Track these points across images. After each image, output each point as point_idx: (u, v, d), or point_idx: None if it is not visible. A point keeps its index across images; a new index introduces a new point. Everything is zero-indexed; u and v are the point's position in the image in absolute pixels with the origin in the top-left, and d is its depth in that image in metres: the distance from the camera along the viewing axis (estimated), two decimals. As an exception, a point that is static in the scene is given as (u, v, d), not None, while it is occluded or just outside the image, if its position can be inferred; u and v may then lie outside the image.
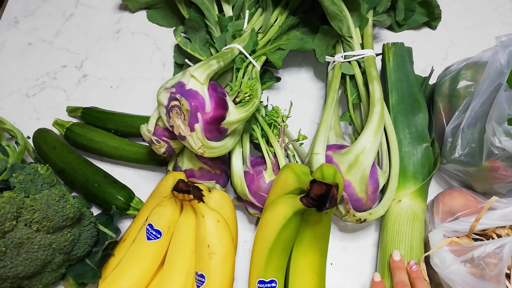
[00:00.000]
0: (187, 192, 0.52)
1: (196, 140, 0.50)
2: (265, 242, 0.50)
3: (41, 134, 0.66)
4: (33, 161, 0.66)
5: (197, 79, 0.51)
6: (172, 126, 0.51)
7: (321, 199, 0.44)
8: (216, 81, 0.57)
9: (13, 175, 0.53)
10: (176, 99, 0.50)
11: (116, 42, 0.79)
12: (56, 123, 0.68)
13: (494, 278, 0.47)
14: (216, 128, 0.52)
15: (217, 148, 0.53)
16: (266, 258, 0.49)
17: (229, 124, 0.53)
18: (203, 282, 0.51)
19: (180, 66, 0.74)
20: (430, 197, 0.60)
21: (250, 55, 0.61)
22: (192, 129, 0.50)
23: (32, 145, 0.67)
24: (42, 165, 0.55)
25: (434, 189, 0.64)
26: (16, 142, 0.65)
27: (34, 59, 0.77)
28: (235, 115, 0.53)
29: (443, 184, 0.65)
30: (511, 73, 0.54)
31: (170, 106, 0.51)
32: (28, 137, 0.67)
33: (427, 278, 0.53)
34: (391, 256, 0.54)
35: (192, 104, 0.50)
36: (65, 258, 0.54)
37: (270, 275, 0.50)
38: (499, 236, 0.52)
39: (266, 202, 0.55)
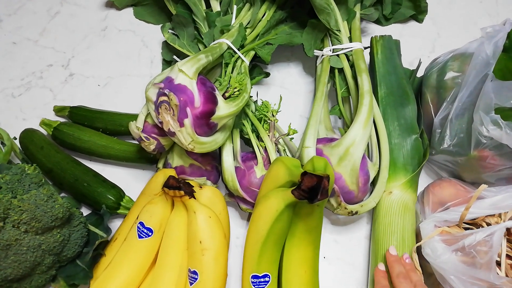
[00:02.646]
0: (178, 188, 0.51)
1: (186, 135, 0.50)
2: (258, 236, 0.49)
3: (28, 135, 0.65)
4: (20, 162, 0.64)
5: (185, 73, 0.50)
6: (161, 122, 0.51)
7: (312, 191, 0.44)
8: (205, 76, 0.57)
9: (-1, 175, 0.52)
10: (165, 95, 0.49)
11: (103, 40, 0.78)
12: (43, 123, 0.67)
13: (485, 265, 0.47)
14: (206, 123, 0.51)
15: (207, 143, 0.53)
16: (259, 252, 0.49)
17: (219, 118, 0.52)
18: (196, 279, 0.50)
19: (168, 63, 0.74)
20: (420, 188, 0.61)
21: (238, 50, 0.61)
22: (181, 125, 0.50)
23: (19, 145, 0.66)
24: (29, 165, 0.54)
25: (424, 180, 0.64)
26: (2, 143, 0.64)
27: (19, 59, 0.76)
28: (224, 109, 0.52)
29: (432, 175, 0.65)
30: (497, 63, 0.54)
31: (159, 101, 0.50)
32: (15, 138, 0.66)
33: (419, 268, 0.53)
34: (388, 251, 0.54)
35: (181, 99, 0.49)
36: (55, 259, 0.54)
37: (263, 270, 0.50)
38: (488, 224, 0.53)
39: (258, 196, 0.55)
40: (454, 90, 0.58)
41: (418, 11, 0.78)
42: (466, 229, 0.54)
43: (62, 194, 0.64)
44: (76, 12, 0.81)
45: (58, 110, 0.70)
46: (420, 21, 0.80)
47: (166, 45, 0.73)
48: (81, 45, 0.78)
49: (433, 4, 0.80)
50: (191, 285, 0.51)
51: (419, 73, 0.68)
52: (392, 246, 0.54)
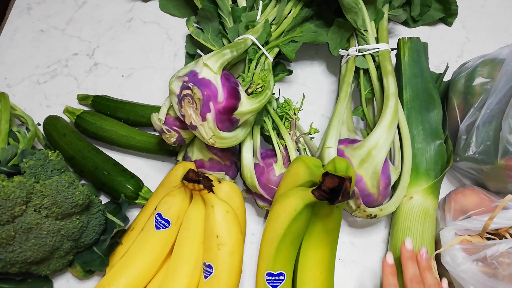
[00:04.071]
0: (197, 182, 0.51)
1: (208, 130, 0.50)
2: (275, 234, 0.49)
3: (51, 121, 0.66)
4: (43, 148, 0.66)
5: (210, 68, 0.50)
6: (183, 115, 0.51)
7: (333, 192, 0.44)
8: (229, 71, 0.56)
9: (24, 160, 0.53)
10: (189, 88, 0.50)
11: (128, 31, 0.79)
12: (67, 111, 0.68)
13: (507, 278, 0.46)
14: (228, 118, 0.51)
15: (228, 138, 0.52)
16: (275, 250, 0.49)
17: (241, 114, 0.52)
18: (211, 272, 0.50)
19: (191, 57, 0.74)
20: (442, 195, 0.59)
21: (263, 46, 0.60)
22: (203, 119, 0.50)
23: (43, 132, 0.67)
24: (52, 151, 0.55)
25: (446, 187, 0.63)
26: (27, 128, 0.65)
27: (46, 46, 0.77)
28: (247, 105, 0.52)
29: (455, 182, 0.64)
30: (530, 70, 0.53)
31: (182, 95, 0.50)
32: (39, 124, 0.67)
33: (437, 276, 0.52)
34: (403, 244, 0.50)
35: (205, 93, 0.49)
36: (73, 245, 0.54)
37: (278, 268, 0.49)
38: (512, 236, 0.52)
39: (276, 194, 0.55)
40: (482, 96, 0.57)
41: (447, 14, 0.76)
42: (488, 239, 0.52)
43: (82, 181, 0.65)
44: (103, 3, 0.82)
45: (82, 99, 0.71)
46: (449, 24, 0.78)
47: (190, 39, 0.74)
48: (106, 35, 0.78)
49: (463, 7, 0.78)
50: (205, 278, 0.51)
51: (446, 77, 0.66)
52: (408, 238, 0.51)
